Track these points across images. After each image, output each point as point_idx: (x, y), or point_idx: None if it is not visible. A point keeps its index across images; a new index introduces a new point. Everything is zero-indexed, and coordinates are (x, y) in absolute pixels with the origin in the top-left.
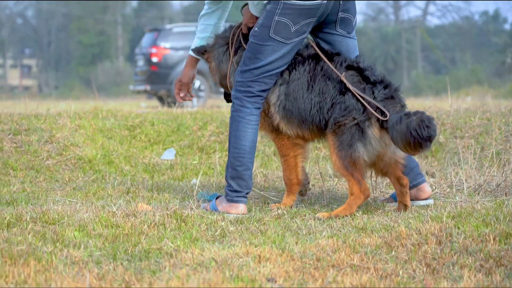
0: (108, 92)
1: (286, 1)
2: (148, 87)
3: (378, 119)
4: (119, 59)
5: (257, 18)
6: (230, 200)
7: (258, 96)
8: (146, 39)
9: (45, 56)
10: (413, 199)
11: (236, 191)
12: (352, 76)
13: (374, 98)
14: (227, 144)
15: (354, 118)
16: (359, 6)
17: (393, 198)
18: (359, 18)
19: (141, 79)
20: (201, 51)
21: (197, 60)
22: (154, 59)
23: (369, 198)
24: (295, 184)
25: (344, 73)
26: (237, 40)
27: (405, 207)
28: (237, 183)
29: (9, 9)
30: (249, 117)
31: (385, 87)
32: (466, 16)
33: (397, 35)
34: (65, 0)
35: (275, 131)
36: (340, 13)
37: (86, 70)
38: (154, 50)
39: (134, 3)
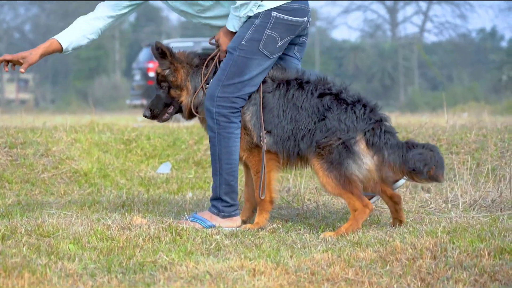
0: (104, 107)
1: (278, 15)
2: (144, 102)
3: (363, 137)
4: (116, 73)
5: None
6: (228, 216)
7: (240, 111)
8: (143, 54)
9: (42, 70)
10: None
11: (232, 205)
12: (330, 101)
13: (357, 118)
14: (213, 163)
15: (339, 138)
16: (357, 22)
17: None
18: (356, 34)
19: (137, 94)
20: (168, 51)
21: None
22: (151, 74)
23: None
24: (267, 201)
25: None
26: (212, 69)
27: (400, 222)
28: (231, 197)
29: (6, 23)
30: (237, 131)
31: (364, 106)
32: (463, 33)
33: (394, 52)
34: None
35: (249, 149)
36: (302, 37)
37: (83, 84)
38: (151, 65)
39: (132, 18)
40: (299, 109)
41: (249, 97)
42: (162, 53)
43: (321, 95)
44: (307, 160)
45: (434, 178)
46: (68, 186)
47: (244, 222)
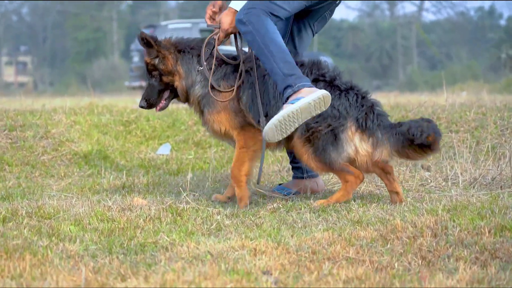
0: (103, 88)
1: None
2: (143, 83)
3: (355, 123)
4: (114, 55)
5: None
6: (304, 86)
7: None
8: None
9: (40, 53)
10: (306, 191)
11: (301, 76)
12: (324, 87)
13: (350, 105)
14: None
15: (329, 125)
16: (355, 1)
17: (277, 190)
18: (355, 14)
19: (136, 75)
20: (153, 40)
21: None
22: None
23: (365, 192)
24: (243, 175)
25: None
26: (211, 53)
27: (397, 194)
28: (294, 70)
29: (4, 6)
30: (270, 20)
31: (356, 93)
32: (462, 11)
33: (392, 31)
34: None
35: (241, 127)
36: (328, 12)
37: (82, 67)
38: None
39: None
40: None
41: (244, 81)
42: (147, 42)
43: (315, 80)
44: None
45: (433, 145)
46: (68, 168)
47: (229, 198)
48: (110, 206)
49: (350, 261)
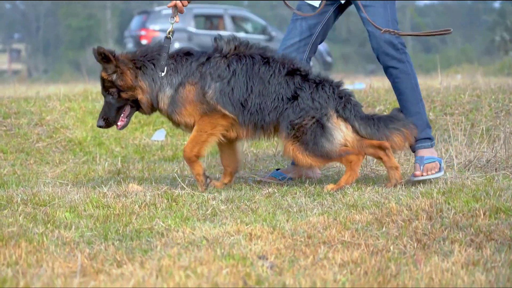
0: (97, 75)
1: None
2: None
3: (335, 112)
4: (108, 42)
5: None
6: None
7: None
8: (135, 22)
9: (34, 41)
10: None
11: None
12: (301, 81)
13: (328, 96)
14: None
15: (313, 117)
16: None
17: (273, 176)
18: None
19: None
20: (111, 55)
21: None
22: (144, 42)
23: (360, 176)
24: (194, 155)
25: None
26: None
27: (397, 169)
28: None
29: None
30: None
31: (331, 84)
32: None
33: None
34: None
35: (202, 114)
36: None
37: (75, 54)
38: (143, 33)
39: None
40: (265, 83)
41: (211, 73)
42: (105, 57)
43: (289, 73)
44: (270, 133)
45: (408, 139)
46: (63, 155)
47: (225, 184)
48: (105, 193)
49: (346, 244)
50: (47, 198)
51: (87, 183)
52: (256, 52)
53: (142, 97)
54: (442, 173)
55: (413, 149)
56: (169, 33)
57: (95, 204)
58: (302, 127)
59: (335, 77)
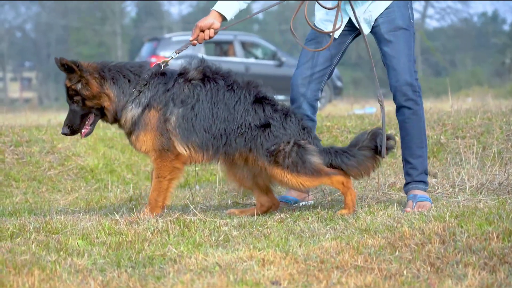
0: None
1: None
2: None
3: (304, 138)
4: None
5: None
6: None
7: None
8: (146, 49)
9: (44, 69)
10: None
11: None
12: (272, 110)
13: (295, 126)
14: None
15: (288, 142)
16: None
17: (285, 200)
18: None
19: None
20: (74, 65)
21: (221, 16)
22: None
23: (372, 200)
24: (159, 207)
25: None
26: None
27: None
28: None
29: (8, 22)
30: None
31: (295, 115)
32: (465, 18)
33: None
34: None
35: (160, 151)
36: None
37: None
38: (154, 59)
39: (133, 14)
40: (230, 109)
41: (173, 98)
42: (68, 68)
43: (257, 101)
44: (231, 158)
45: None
46: (75, 183)
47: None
48: (117, 220)
49: (359, 269)
50: (60, 225)
51: (99, 210)
52: (221, 77)
53: (108, 104)
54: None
55: (407, 189)
56: (163, 62)
57: (107, 231)
58: (280, 152)
59: (345, 102)
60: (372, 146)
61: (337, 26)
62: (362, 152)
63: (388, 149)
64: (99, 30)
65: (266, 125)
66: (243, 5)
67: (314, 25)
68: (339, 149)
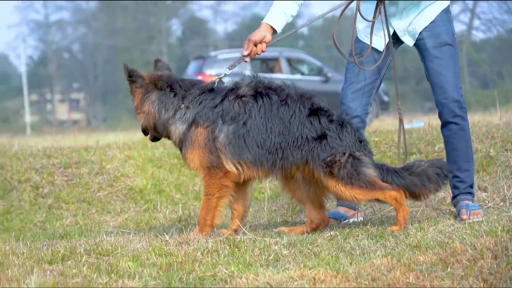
0: None
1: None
2: None
3: (360, 150)
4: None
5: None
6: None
7: None
8: (192, 67)
9: (92, 90)
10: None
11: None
12: (328, 121)
13: (351, 137)
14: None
15: (344, 153)
16: None
17: (334, 217)
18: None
19: None
20: (138, 75)
21: (273, 29)
22: None
23: (421, 216)
24: (208, 225)
25: None
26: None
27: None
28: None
29: (55, 44)
30: None
31: (351, 125)
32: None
33: None
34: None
35: (209, 168)
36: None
37: None
38: (200, 78)
39: (179, 32)
40: (285, 123)
41: (222, 115)
42: (129, 76)
43: (313, 113)
44: (289, 171)
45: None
46: (124, 204)
47: (235, 231)
48: (167, 241)
49: (411, 286)
50: (110, 247)
51: (149, 231)
52: (273, 92)
53: (142, 122)
54: (485, 217)
55: (456, 201)
56: (217, 79)
57: (157, 252)
58: (336, 162)
59: (392, 116)
60: (427, 175)
61: (380, 39)
62: (412, 178)
63: (446, 177)
64: (145, 50)
65: (322, 136)
66: (289, 18)
67: (357, 37)
68: (391, 168)
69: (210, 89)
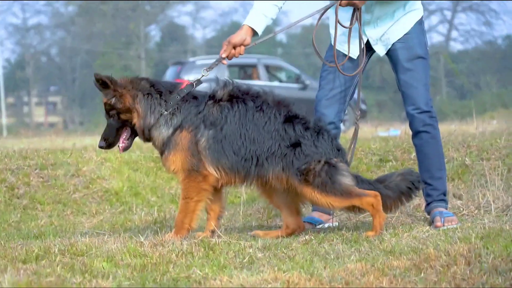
0: None
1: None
2: None
3: (337, 157)
4: None
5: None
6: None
7: None
8: (170, 73)
9: (70, 93)
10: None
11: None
12: (302, 128)
13: (327, 144)
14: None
15: (319, 161)
16: None
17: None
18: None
19: None
20: (108, 80)
21: (253, 31)
22: None
23: (396, 222)
24: (185, 229)
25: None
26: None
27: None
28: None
29: (33, 47)
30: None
31: (327, 133)
32: (489, 40)
33: None
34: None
35: (189, 171)
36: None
37: None
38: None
39: (157, 38)
40: (260, 130)
41: (203, 120)
42: (103, 83)
43: (288, 120)
44: (263, 179)
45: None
46: (99, 206)
47: (212, 232)
48: (142, 242)
49: None
50: (85, 248)
51: (124, 233)
52: (250, 97)
53: (136, 121)
54: (459, 224)
55: (430, 208)
56: (194, 81)
57: (132, 253)
58: (310, 171)
59: (370, 124)
60: (400, 189)
61: (355, 47)
62: (386, 191)
63: (418, 189)
64: (123, 55)
65: (296, 144)
66: (269, 20)
67: (331, 44)
68: (365, 179)
69: (194, 97)
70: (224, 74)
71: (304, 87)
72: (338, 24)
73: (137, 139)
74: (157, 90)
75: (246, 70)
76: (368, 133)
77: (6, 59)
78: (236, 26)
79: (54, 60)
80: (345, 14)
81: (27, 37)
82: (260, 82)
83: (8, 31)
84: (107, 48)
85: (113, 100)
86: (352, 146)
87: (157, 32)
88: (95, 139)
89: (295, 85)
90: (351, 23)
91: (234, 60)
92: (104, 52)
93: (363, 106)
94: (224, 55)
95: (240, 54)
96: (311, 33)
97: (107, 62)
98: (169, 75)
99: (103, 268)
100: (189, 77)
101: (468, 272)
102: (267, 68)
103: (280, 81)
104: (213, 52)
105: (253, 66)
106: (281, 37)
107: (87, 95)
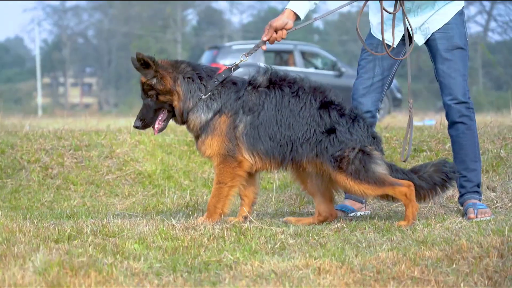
0: None
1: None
2: None
3: (372, 145)
4: None
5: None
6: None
7: None
8: (206, 57)
9: (105, 75)
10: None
11: None
12: (338, 115)
13: (362, 131)
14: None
15: (353, 148)
16: None
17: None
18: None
19: None
20: (150, 61)
21: (295, 15)
22: None
23: (429, 212)
24: (217, 213)
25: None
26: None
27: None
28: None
29: (70, 29)
30: None
31: (363, 120)
32: None
33: None
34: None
35: (225, 156)
36: None
37: None
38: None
39: (194, 22)
40: (295, 116)
41: (242, 106)
42: (145, 63)
43: (323, 106)
44: (299, 164)
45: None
46: (132, 188)
47: (245, 218)
48: (174, 225)
49: (415, 281)
50: (117, 229)
51: (156, 215)
52: (287, 83)
53: (176, 104)
54: (493, 217)
55: (463, 200)
56: (233, 66)
57: (164, 236)
58: (344, 158)
59: (404, 113)
60: (434, 180)
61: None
62: (419, 181)
63: (452, 180)
64: (160, 38)
65: (331, 130)
66: (312, 5)
67: (370, 33)
68: (399, 169)
69: (234, 82)
70: (260, 59)
71: (340, 75)
72: (379, 13)
73: (171, 122)
74: (198, 74)
75: (282, 56)
76: (402, 122)
77: (43, 40)
78: (273, 12)
79: (91, 42)
80: (387, 2)
81: (64, 18)
82: (296, 69)
83: (46, 12)
84: (143, 31)
85: (154, 80)
86: (409, 136)
87: (194, 16)
88: (129, 121)
89: (331, 72)
90: (394, 9)
91: (270, 46)
92: (140, 35)
93: (398, 95)
94: (265, 39)
95: (282, 38)
96: (347, 20)
97: (143, 45)
98: (205, 59)
99: (135, 249)
100: (225, 61)
101: (500, 264)
102: (303, 54)
103: (316, 68)
104: (250, 37)
105: (289, 52)
106: (318, 24)
107: (123, 77)
